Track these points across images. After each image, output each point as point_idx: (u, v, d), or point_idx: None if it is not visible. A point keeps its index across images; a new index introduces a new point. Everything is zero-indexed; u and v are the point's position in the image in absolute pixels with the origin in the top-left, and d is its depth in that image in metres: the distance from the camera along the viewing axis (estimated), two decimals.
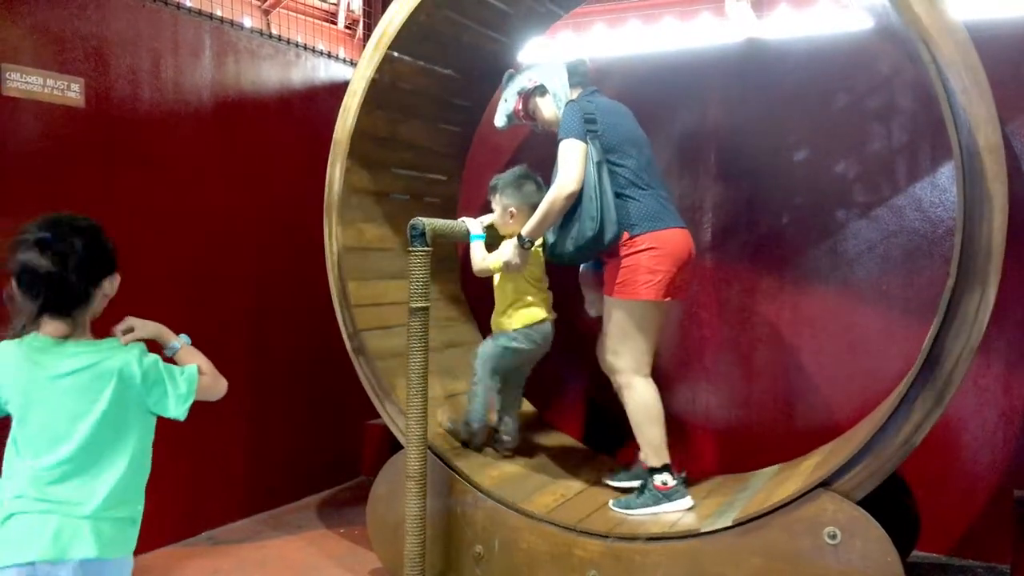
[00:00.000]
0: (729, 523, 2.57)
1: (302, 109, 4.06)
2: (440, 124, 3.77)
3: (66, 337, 1.76)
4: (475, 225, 3.15)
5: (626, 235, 2.87)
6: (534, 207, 2.97)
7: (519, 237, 2.97)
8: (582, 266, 3.25)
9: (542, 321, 3.22)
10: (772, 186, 3.60)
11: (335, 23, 5.55)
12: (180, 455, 3.38)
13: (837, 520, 2.41)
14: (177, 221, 3.43)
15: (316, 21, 5.33)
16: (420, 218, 2.75)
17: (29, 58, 2.89)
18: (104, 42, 3.13)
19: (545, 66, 3.12)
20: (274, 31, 4.24)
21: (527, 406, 3.83)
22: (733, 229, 3.70)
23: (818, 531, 2.43)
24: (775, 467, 3.20)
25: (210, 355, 1.96)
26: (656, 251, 2.86)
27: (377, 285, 3.39)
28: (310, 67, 4.12)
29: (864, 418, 2.91)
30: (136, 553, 1.85)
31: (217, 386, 1.92)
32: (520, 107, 3.14)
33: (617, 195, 2.87)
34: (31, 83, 2.88)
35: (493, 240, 3.19)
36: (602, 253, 2.96)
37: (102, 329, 1.84)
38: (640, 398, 2.96)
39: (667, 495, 2.92)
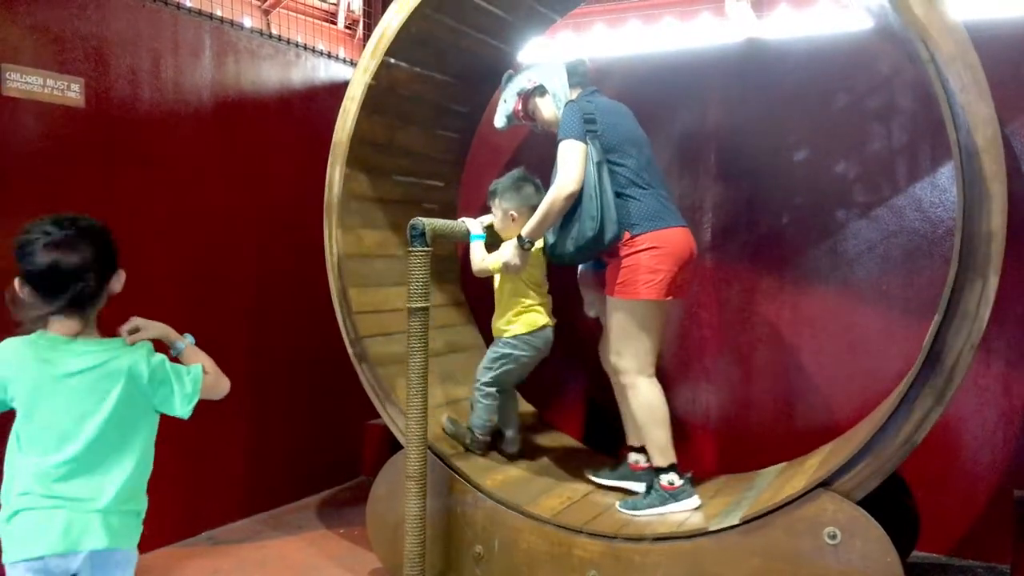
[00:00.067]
0: (736, 521, 2.57)
1: (302, 109, 4.06)
2: (438, 130, 3.76)
3: (76, 335, 1.77)
4: (475, 225, 3.15)
5: (627, 235, 2.87)
6: (534, 209, 2.97)
7: (519, 238, 2.97)
8: (580, 267, 3.25)
9: (543, 327, 3.22)
10: (772, 186, 3.60)
11: (335, 23, 5.56)
12: (180, 455, 3.37)
13: (837, 520, 2.41)
14: (177, 221, 3.43)
15: (316, 21, 5.34)
16: (420, 218, 2.75)
17: (29, 58, 2.89)
18: (104, 42, 3.13)
19: (544, 66, 3.11)
20: (274, 31, 4.24)
21: (527, 406, 3.84)
22: (733, 229, 3.70)
23: (818, 531, 2.43)
24: (780, 465, 3.20)
25: (210, 355, 1.98)
26: (657, 250, 2.86)
27: (378, 292, 3.38)
28: (310, 67, 4.12)
29: (864, 418, 2.91)
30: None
31: (221, 385, 1.96)
32: (520, 108, 3.13)
33: (617, 195, 2.87)
34: (31, 83, 2.88)
35: (493, 240, 3.19)
36: (603, 253, 2.95)
37: (106, 329, 1.85)
38: (644, 399, 2.95)
39: (674, 495, 2.91)
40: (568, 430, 3.92)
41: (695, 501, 2.91)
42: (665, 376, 3.05)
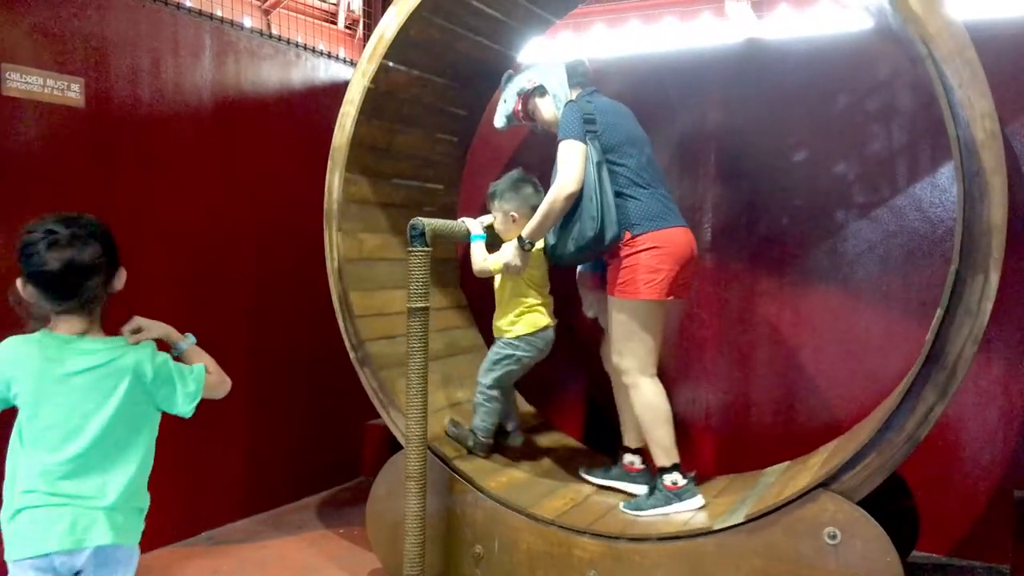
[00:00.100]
0: (741, 520, 2.56)
1: (302, 109, 4.06)
2: (437, 133, 3.76)
3: (82, 334, 1.77)
4: (475, 225, 3.15)
5: (627, 235, 2.87)
6: (534, 209, 2.97)
7: (519, 238, 2.97)
8: (580, 267, 3.25)
9: (545, 328, 3.22)
10: (772, 186, 3.60)
11: (335, 23, 5.55)
12: (180, 455, 3.38)
13: (837, 520, 2.41)
14: (177, 221, 3.43)
15: (316, 21, 5.34)
16: (420, 218, 2.75)
17: (29, 58, 2.89)
18: (104, 42, 3.13)
19: (544, 66, 3.11)
20: (274, 31, 4.25)
21: (527, 406, 3.84)
22: (733, 229, 3.70)
23: (818, 531, 2.43)
24: (784, 464, 3.19)
25: (211, 355, 1.99)
26: (658, 250, 2.86)
27: (380, 295, 3.38)
28: (310, 67, 4.12)
29: (865, 418, 2.91)
30: None
31: (222, 384, 1.97)
32: (519, 108, 3.13)
33: (618, 195, 2.87)
34: (31, 83, 2.88)
35: (493, 240, 3.19)
36: (603, 253, 2.95)
37: (107, 329, 1.85)
38: (647, 399, 2.94)
39: (677, 494, 2.91)
40: (568, 430, 3.92)
41: (699, 500, 2.91)
42: (666, 376, 3.05)
